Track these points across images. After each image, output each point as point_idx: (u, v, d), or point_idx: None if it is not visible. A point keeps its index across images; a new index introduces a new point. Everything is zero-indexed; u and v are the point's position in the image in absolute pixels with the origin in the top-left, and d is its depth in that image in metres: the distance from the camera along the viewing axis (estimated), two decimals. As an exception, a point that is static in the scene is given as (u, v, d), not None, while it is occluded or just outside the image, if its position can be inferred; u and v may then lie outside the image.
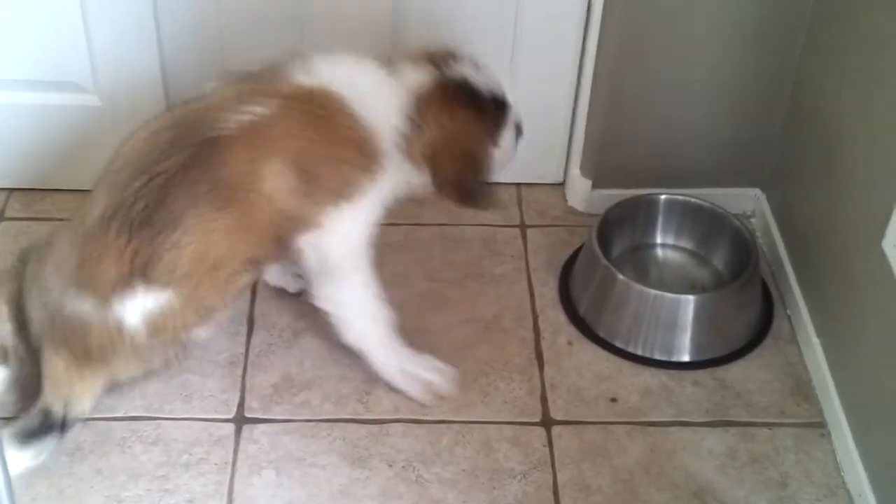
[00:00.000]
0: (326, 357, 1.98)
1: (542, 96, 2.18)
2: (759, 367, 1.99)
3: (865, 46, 1.82)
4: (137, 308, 1.69)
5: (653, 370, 1.97)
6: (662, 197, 2.15)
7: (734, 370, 1.98)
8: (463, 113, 1.77)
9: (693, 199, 2.15)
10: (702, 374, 1.97)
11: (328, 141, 1.71)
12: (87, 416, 1.77)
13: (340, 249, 1.80)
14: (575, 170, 2.29)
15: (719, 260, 2.15)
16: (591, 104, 2.18)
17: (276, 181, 1.68)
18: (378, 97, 1.75)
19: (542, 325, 2.06)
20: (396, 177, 1.79)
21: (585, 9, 2.10)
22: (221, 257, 1.71)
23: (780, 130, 2.17)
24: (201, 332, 1.79)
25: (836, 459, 1.83)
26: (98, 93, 2.18)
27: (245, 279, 1.80)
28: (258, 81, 1.73)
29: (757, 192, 2.27)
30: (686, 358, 1.98)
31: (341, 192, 1.74)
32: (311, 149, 1.70)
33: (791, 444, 1.85)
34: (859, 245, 1.78)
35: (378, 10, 2.11)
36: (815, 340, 1.95)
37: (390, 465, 1.81)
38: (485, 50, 2.11)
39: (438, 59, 1.79)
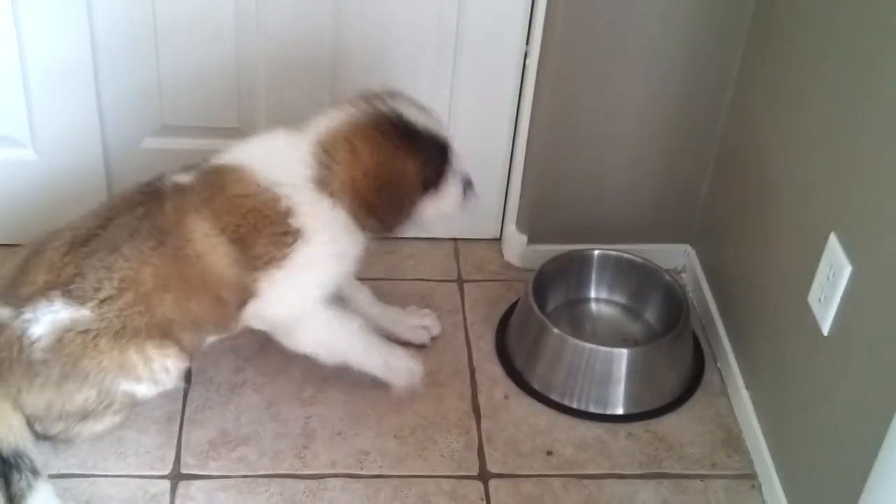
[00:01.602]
0: (264, 412, 1.97)
1: (478, 155, 2.21)
2: (691, 420, 2.02)
3: (790, 106, 1.89)
4: (47, 319, 1.72)
5: (588, 423, 2.00)
6: (596, 252, 2.20)
7: (667, 423, 2.01)
8: (385, 140, 1.78)
9: (625, 255, 2.20)
10: (635, 427, 2.00)
11: (237, 209, 1.78)
12: (21, 452, 1.72)
13: (283, 315, 1.85)
14: (511, 226, 2.33)
15: (651, 314, 2.19)
16: (525, 163, 2.23)
17: (205, 242, 1.77)
18: (282, 159, 1.80)
19: (479, 379, 2.08)
20: (336, 235, 1.81)
21: (520, 69, 2.15)
22: (151, 293, 1.75)
23: (708, 187, 2.23)
24: (134, 388, 1.78)
25: (766, 510, 1.87)
26: (35, 147, 2.17)
27: (186, 338, 1.81)
28: (196, 163, 1.86)
29: (687, 247, 2.33)
30: (620, 411, 2.02)
31: (270, 257, 1.78)
32: (226, 217, 1.78)
33: (723, 497, 1.88)
34: (785, 299, 1.84)
35: (319, 62, 2.15)
36: (745, 392, 1.99)
37: (328, 521, 1.81)
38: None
39: (373, 97, 1.83)
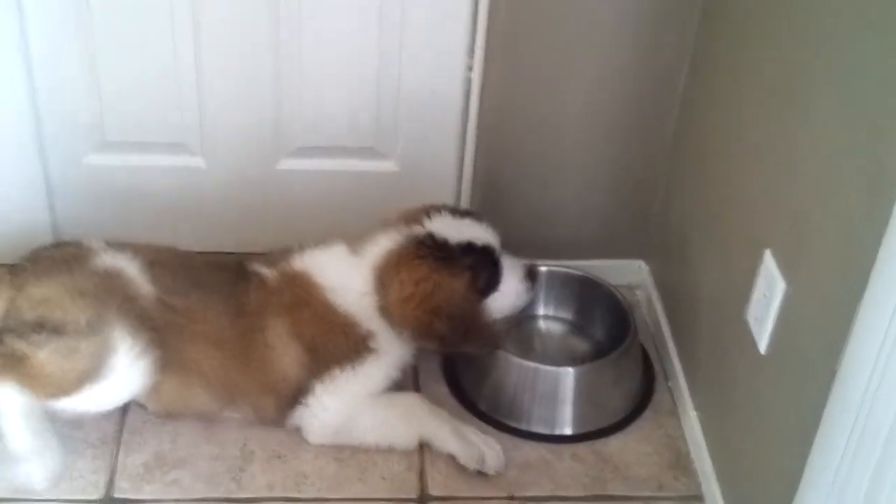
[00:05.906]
0: (200, 434, 1.93)
1: (425, 171, 2.19)
2: (639, 440, 1.98)
3: (733, 123, 1.85)
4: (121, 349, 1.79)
5: (533, 444, 1.96)
6: (543, 268, 2.15)
7: (613, 443, 1.97)
8: (425, 266, 1.83)
9: (572, 271, 2.16)
10: (581, 448, 1.96)
11: (315, 320, 1.87)
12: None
13: (332, 418, 1.90)
14: (460, 241, 2.28)
15: (599, 331, 2.15)
16: (473, 178, 2.19)
17: (279, 340, 1.86)
18: (350, 285, 1.88)
19: (423, 399, 2.04)
20: (394, 354, 1.91)
21: (466, 84, 2.10)
22: (219, 365, 1.87)
23: (660, 203, 2.20)
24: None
25: (711, 534, 1.82)
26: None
27: (224, 412, 1.93)
28: (275, 254, 1.96)
29: (641, 263, 2.28)
30: (567, 431, 1.97)
31: (337, 363, 1.87)
32: (304, 325, 1.87)
33: (667, 518, 1.85)
34: (727, 317, 1.79)
35: (261, 73, 2.12)
36: (693, 413, 1.95)
37: (262, 546, 1.77)
38: (368, 119, 2.13)
39: (412, 219, 1.90)
